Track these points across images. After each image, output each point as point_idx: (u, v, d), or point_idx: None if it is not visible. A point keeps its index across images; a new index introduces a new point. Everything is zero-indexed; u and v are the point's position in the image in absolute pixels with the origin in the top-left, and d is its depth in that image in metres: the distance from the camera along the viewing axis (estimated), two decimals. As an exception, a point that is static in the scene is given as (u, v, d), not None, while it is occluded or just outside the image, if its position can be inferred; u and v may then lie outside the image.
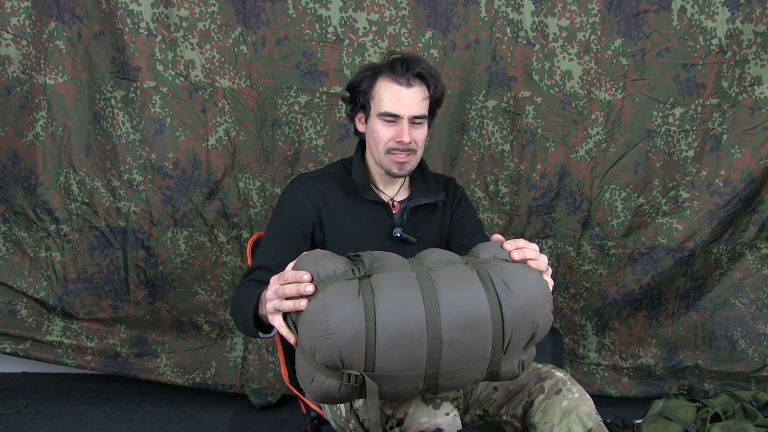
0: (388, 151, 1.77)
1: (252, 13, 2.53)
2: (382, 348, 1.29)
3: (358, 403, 1.63)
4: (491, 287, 1.36)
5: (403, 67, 1.73)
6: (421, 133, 1.77)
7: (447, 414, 1.47)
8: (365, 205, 1.80)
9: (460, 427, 1.50)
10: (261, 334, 1.57)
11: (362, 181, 1.81)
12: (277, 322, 1.37)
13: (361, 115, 1.81)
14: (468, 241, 1.85)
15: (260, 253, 1.80)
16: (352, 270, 1.34)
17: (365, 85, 1.77)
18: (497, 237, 1.50)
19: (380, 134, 1.76)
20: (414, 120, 1.74)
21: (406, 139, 1.73)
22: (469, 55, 2.59)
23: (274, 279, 1.38)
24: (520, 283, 1.37)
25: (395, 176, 1.80)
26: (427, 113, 1.78)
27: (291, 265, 1.41)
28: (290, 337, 1.36)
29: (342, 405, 1.69)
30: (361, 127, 1.83)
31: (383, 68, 1.75)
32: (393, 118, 1.74)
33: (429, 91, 1.76)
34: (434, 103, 1.80)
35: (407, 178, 1.89)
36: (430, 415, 1.46)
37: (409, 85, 1.73)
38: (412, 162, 1.79)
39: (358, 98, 1.79)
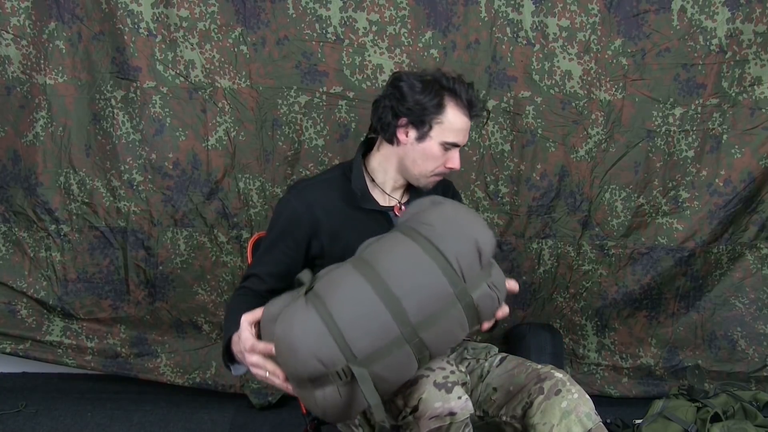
0: (437, 174, 1.81)
1: (252, 13, 2.53)
2: (350, 332, 1.36)
3: None
4: (415, 233, 1.44)
5: (471, 101, 1.77)
6: None
7: (459, 398, 1.50)
8: (364, 212, 1.80)
9: (471, 411, 1.53)
10: (232, 370, 1.67)
11: (361, 190, 1.80)
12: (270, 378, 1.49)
13: (412, 129, 1.77)
14: None
15: (256, 260, 1.84)
16: (297, 291, 1.43)
17: (433, 107, 1.74)
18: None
19: (437, 158, 1.79)
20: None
21: (458, 167, 1.80)
22: (469, 55, 2.59)
23: (247, 349, 1.49)
24: (435, 215, 1.47)
25: (421, 188, 1.85)
26: None
27: (245, 318, 1.51)
28: (288, 389, 1.46)
29: None
30: (403, 138, 1.78)
31: (452, 93, 1.75)
32: (452, 146, 1.78)
33: None
34: None
35: (407, 183, 1.89)
36: (443, 399, 1.48)
37: (471, 116, 1.78)
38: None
39: (420, 115, 1.74)
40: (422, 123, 1.75)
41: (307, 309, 1.38)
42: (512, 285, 1.57)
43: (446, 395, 1.49)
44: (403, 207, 1.86)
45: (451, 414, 1.49)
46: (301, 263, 1.80)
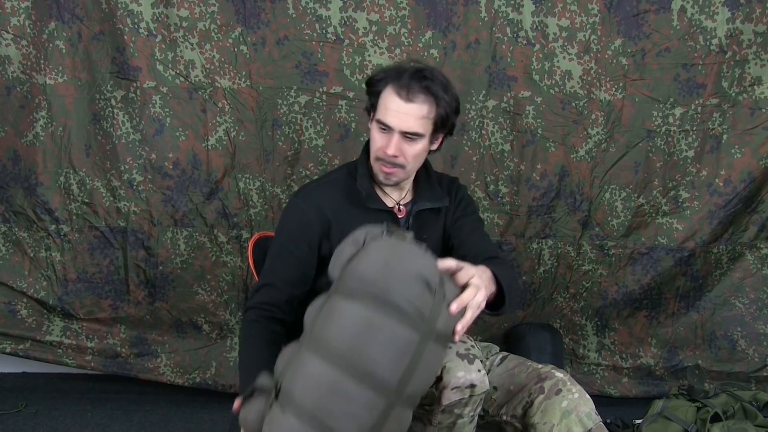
0: (378, 159, 1.75)
1: (252, 13, 2.53)
2: (339, 424, 1.31)
3: None
4: (358, 293, 1.36)
5: (411, 79, 1.68)
6: (413, 148, 1.73)
7: (479, 371, 1.51)
8: (371, 213, 1.79)
9: (488, 387, 1.54)
10: None
11: (366, 190, 1.79)
12: None
13: (372, 111, 1.78)
14: (464, 240, 1.85)
15: (267, 269, 1.79)
16: (266, 399, 1.40)
17: (377, 87, 1.74)
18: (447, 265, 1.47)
19: (374, 140, 1.75)
20: (406, 135, 1.71)
21: (389, 151, 1.71)
22: (469, 55, 2.59)
23: None
24: (367, 265, 1.38)
25: (382, 183, 1.80)
26: (424, 131, 1.71)
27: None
28: None
29: None
30: (370, 124, 1.81)
31: (394, 73, 1.71)
32: (386, 127, 1.71)
33: (432, 110, 1.70)
34: (439, 122, 1.73)
35: (412, 181, 1.88)
36: (466, 369, 1.49)
37: (408, 99, 1.68)
38: (399, 175, 1.76)
39: (370, 97, 1.77)
40: (373, 105, 1.76)
41: (285, 416, 1.33)
42: (448, 264, 1.45)
43: (468, 366, 1.50)
44: (402, 207, 1.85)
45: (472, 386, 1.50)
46: (315, 266, 1.79)
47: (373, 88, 1.75)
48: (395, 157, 1.72)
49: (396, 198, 1.85)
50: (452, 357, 1.50)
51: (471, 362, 1.51)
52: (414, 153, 1.74)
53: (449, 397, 1.50)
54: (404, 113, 1.69)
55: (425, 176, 1.89)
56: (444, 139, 1.83)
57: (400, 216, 1.84)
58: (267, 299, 1.74)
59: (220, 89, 2.58)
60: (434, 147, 1.81)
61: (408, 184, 1.87)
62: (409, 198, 1.87)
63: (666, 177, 2.72)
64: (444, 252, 1.93)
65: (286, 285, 1.75)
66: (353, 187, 1.80)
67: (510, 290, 1.63)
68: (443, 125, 1.75)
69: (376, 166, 1.77)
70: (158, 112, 2.59)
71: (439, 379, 1.50)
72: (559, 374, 1.66)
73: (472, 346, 1.56)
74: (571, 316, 2.87)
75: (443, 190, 1.90)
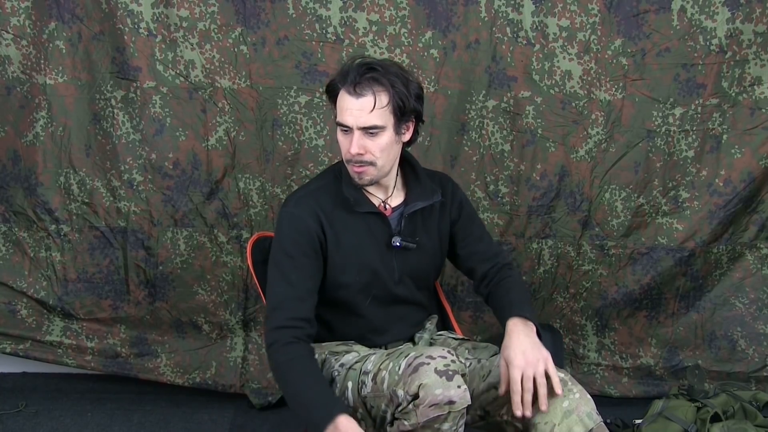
0: (347, 161, 1.74)
1: (252, 13, 2.53)
2: None
3: (366, 390, 1.63)
4: None
5: (357, 74, 1.67)
6: (376, 143, 1.70)
7: (459, 387, 1.51)
8: (362, 216, 1.78)
9: (469, 402, 1.54)
10: None
11: (353, 196, 1.78)
12: None
13: None
14: (475, 247, 1.87)
15: (281, 284, 1.74)
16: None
17: (332, 93, 1.74)
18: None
19: (340, 144, 1.75)
20: (367, 131, 1.69)
21: (352, 150, 1.70)
22: (469, 55, 2.59)
23: None
24: None
25: (357, 185, 1.78)
26: (383, 123, 1.69)
27: None
28: None
29: (349, 393, 1.71)
30: None
31: (342, 75, 1.71)
32: (346, 128, 1.71)
33: (387, 99, 1.68)
34: (398, 110, 1.70)
35: (399, 181, 1.86)
36: (444, 386, 1.49)
37: (357, 94, 1.67)
38: (371, 173, 1.74)
39: (333, 106, 1.76)
40: (335, 111, 1.75)
41: None
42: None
43: (447, 383, 1.50)
44: (387, 206, 1.84)
45: (450, 403, 1.50)
46: (322, 270, 1.78)
47: (331, 96, 1.75)
48: (360, 155, 1.70)
49: (382, 197, 1.84)
50: (430, 374, 1.50)
51: (450, 379, 1.51)
52: (380, 147, 1.71)
53: (426, 413, 1.50)
54: (357, 109, 1.68)
55: (413, 175, 1.87)
56: (416, 127, 1.80)
57: (387, 214, 1.82)
58: (294, 314, 1.70)
59: (220, 89, 2.58)
60: (406, 138, 1.78)
61: (391, 182, 1.85)
62: (400, 199, 1.86)
63: (666, 177, 2.72)
64: (441, 253, 1.92)
65: (310, 294, 1.74)
66: (341, 192, 1.79)
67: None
68: (404, 112, 1.71)
69: (349, 169, 1.76)
70: (158, 112, 2.59)
71: (416, 395, 1.50)
72: (560, 374, 1.66)
73: (453, 361, 1.55)
74: (571, 316, 2.87)
75: (435, 184, 1.87)
